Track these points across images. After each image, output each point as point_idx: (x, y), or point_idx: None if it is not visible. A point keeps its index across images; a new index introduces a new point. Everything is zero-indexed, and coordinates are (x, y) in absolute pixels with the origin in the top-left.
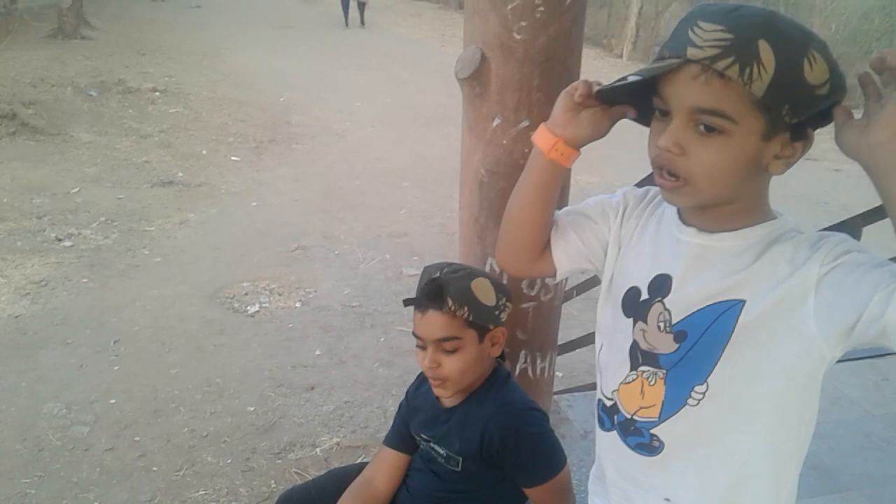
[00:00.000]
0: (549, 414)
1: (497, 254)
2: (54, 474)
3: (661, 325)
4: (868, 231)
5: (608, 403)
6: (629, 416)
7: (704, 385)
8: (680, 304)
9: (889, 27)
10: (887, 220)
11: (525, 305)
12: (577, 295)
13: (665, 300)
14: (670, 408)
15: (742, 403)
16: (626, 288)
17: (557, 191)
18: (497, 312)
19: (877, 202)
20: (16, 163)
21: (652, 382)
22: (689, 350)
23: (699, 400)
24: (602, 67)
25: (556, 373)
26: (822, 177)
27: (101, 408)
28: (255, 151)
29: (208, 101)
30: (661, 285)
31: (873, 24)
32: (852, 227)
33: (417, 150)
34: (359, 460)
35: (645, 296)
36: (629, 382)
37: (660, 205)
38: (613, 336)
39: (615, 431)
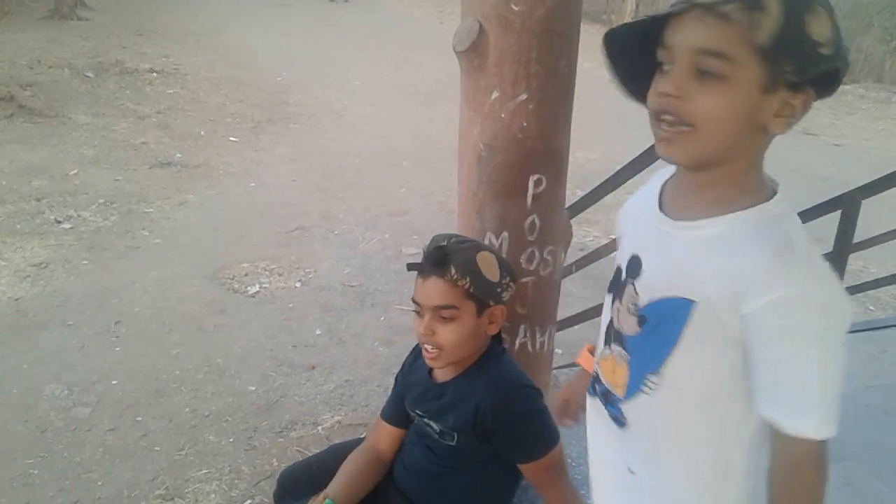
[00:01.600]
0: (549, 389)
1: None
2: (57, 455)
3: (630, 307)
4: (867, 203)
5: (596, 371)
6: (606, 388)
7: (658, 375)
8: (645, 288)
9: (890, 1)
10: (886, 194)
11: (524, 280)
12: (576, 271)
13: (635, 282)
14: (630, 391)
15: (691, 398)
16: (616, 265)
17: None
18: (499, 290)
19: (874, 174)
20: (14, 145)
21: (619, 363)
22: (648, 337)
23: (653, 389)
24: (601, 43)
25: (556, 349)
26: (822, 151)
27: (102, 388)
28: (254, 131)
29: (206, 81)
30: (634, 266)
31: None
32: (851, 200)
33: (417, 128)
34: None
35: (624, 275)
36: (605, 358)
37: (650, 190)
38: (604, 311)
39: (598, 398)
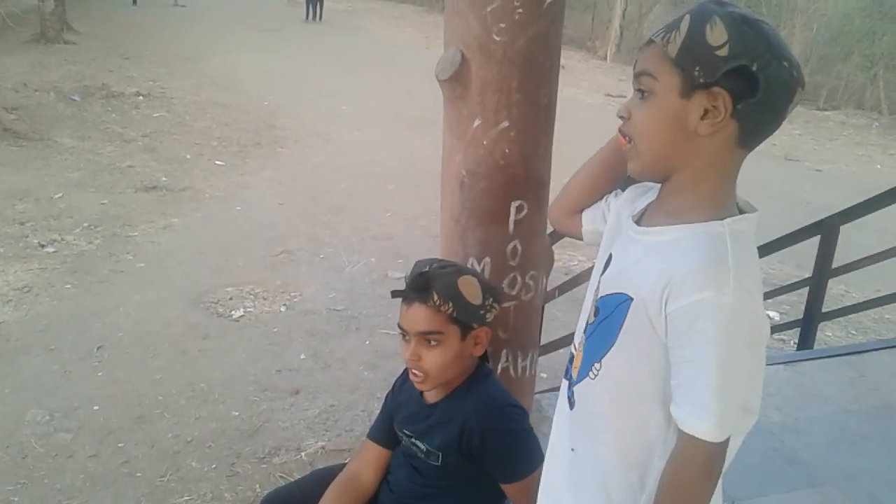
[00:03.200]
0: (531, 413)
1: (550, 206)
2: (38, 481)
3: (593, 296)
4: (845, 230)
5: (571, 354)
6: (569, 370)
7: (600, 364)
8: (606, 282)
9: (870, 28)
10: (864, 219)
11: (507, 304)
12: (559, 295)
13: (602, 277)
14: (581, 375)
15: (623, 390)
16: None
17: (616, 171)
18: (482, 312)
19: (855, 200)
20: None
21: (579, 349)
22: (598, 327)
23: (595, 375)
24: (586, 70)
25: (541, 374)
26: (803, 177)
27: (84, 414)
28: (240, 155)
29: (192, 104)
30: (606, 262)
31: (854, 26)
32: (830, 226)
33: (402, 152)
34: None
35: (601, 268)
36: (578, 344)
37: (637, 197)
38: None
39: (565, 380)
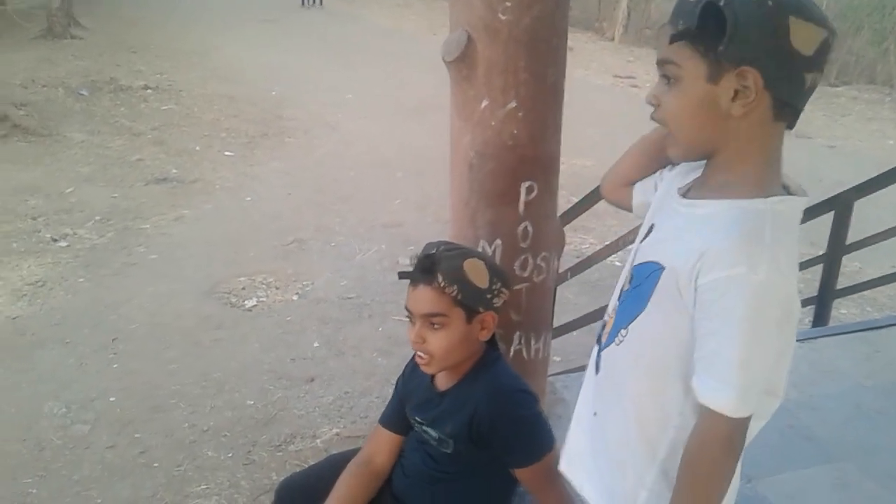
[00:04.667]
0: (545, 395)
1: (603, 179)
2: (56, 473)
3: (630, 264)
4: (860, 204)
5: (605, 320)
6: (600, 335)
7: (626, 330)
8: (643, 250)
9: (880, 2)
10: (879, 195)
11: (518, 287)
12: (570, 277)
13: (641, 244)
14: (609, 340)
15: (646, 358)
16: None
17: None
18: (489, 296)
19: (868, 176)
20: (8, 164)
21: (611, 314)
22: (631, 293)
23: (621, 341)
24: (594, 51)
25: (554, 357)
26: (816, 153)
27: (100, 406)
28: (248, 146)
29: (200, 97)
30: (648, 231)
31: (864, 0)
32: (844, 201)
33: (409, 140)
34: None
35: (641, 237)
36: (612, 309)
37: (689, 171)
38: None
39: (597, 347)
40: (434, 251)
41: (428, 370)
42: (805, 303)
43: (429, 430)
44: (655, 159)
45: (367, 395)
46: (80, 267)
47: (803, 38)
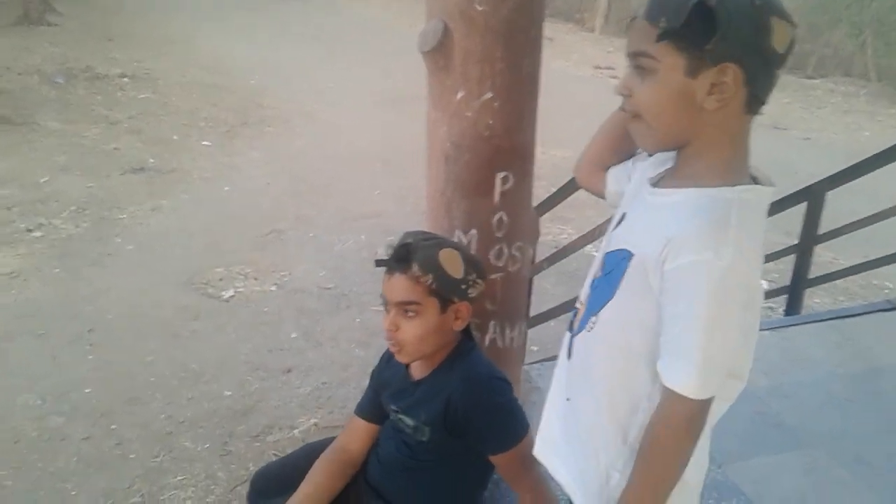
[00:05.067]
0: (521, 383)
1: (576, 163)
2: (31, 465)
3: (603, 252)
4: (834, 195)
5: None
6: (572, 322)
7: (597, 316)
8: (615, 238)
9: None
10: (850, 185)
11: (493, 276)
12: (547, 267)
13: (612, 232)
14: (580, 327)
15: (616, 344)
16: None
17: None
18: (464, 286)
19: (841, 167)
20: None
21: (583, 301)
22: (602, 281)
23: (592, 328)
24: (575, 42)
25: (531, 346)
26: (791, 146)
27: (76, 397)
28: (227, 135)
29: (178, 85)
30: (619, 220)
31: None
32: (816, 192)
33: (389, 130)
34: None
35: (614, 225)
36: (584, 297)
37: (662, 162)
38: None
39: (569, 333)
40: (411, 240)
41: (401, 359)
42: (778, 292)
43: (404, 417)
44: (624, 137)
45: (344, 386)
46: (56, 257)
47: (780, 36)
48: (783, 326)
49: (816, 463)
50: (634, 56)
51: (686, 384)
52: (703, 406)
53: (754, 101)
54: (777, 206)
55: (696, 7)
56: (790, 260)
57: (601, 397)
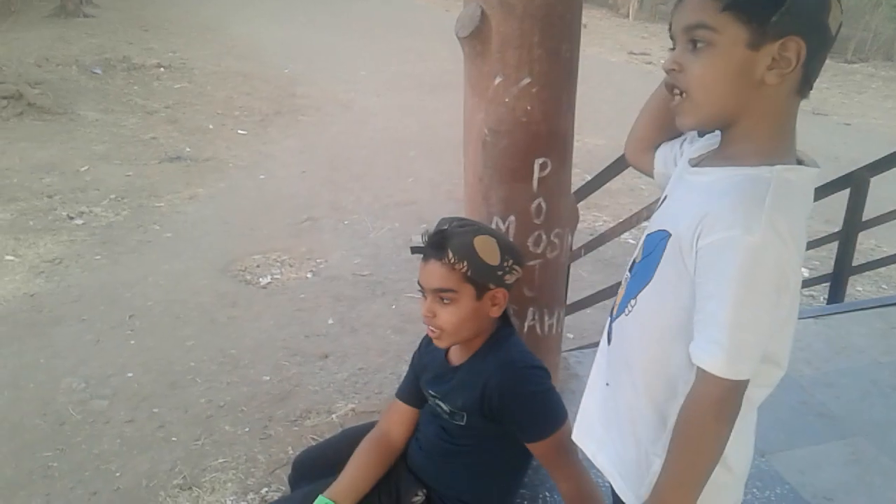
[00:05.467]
0: (559, 370)
1: (626, 144)
2: (76, 447)
3: (644, 235)
4: (875, 182)
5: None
6: (613, 306)
7: (635, 300)
8: (655, 220)
9: None
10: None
11: (532, 263)
12: (584, 254)
13: (655, 214)
14: (619, 311)
15: (652, 327)
16: None
17: None
18: (500, 273)
19: (884, 154)
20: (24, 143)
21: (624, 285)
22: (642, 263)
23: (630, 311)
24: (608, 28)
25: (568, 334)
26: (832, 131)
27: (118, 381)
28: (262, 124)
29: (213, 75)
30: (662, 201)
31: None
32: (859, 178)
33: (423, 117)
34: None
35: (657, 209)
36: (624, 281)
37: (710, 146)
38: None
39: (609, 318)
40: (446, 227)
41: (439, 344)
42: (820, 280)
43: (441, 403)
44: (668, 115)
45: (380, 372)
46: (97, 244)
47: (834, 17)
48: (826, 314)
49: (861, 453)
50: (690, 29)
51: (713, 363)
52: (735, 388)
53: (806, 83)
54: (820, 193)
55: None
56: (831, 248)
57: (639, 381)
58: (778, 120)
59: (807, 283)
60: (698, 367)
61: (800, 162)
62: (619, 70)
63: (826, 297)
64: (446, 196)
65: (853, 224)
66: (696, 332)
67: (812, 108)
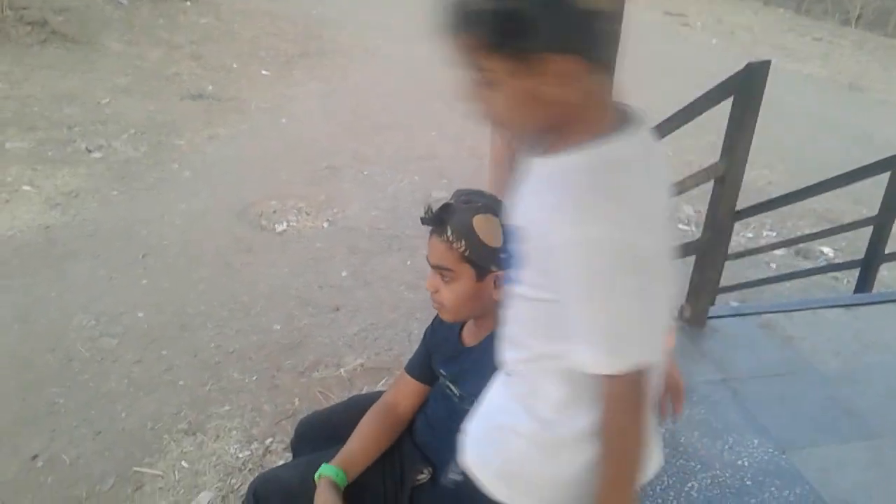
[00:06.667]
0: None
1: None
2: (83, 384)
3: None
4: None
5: None
6: None
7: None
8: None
9: None
10: None
11: None
12: None
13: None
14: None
15: (522, 323)
16: None
17: None
18: (503, 255)
19: None
20: (46, 71)
21: None
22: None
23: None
24: None
25: None
26: (867, 108)
27: (129, 320)
28: (286, 66)
29: (240, 12)
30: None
31: None
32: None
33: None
34: (381, 383)
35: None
36: None
37: None
38: None
39: None
40: (452, 200)
41: (444, 316)
42: (848, 265)
43: (451, 385)
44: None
45: (392, 328)
46: (114, 179)
47: None
48: (855, 304)
49: (884, 455)
50: (474, 70)
51: (594, 363)
52: (632, 379)
53: (597, 61)
54: (858, 175)
55: (497, 8)
56: (862, 231)
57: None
58: (585, 104)
59: (833, 268)
60: (588, 373)
61: (626, 122)
62: (654, 30)
63: (849, 280)
64: (469, 152)
65: (891, 210)
66: (572, 341)
67: (849, 82)
